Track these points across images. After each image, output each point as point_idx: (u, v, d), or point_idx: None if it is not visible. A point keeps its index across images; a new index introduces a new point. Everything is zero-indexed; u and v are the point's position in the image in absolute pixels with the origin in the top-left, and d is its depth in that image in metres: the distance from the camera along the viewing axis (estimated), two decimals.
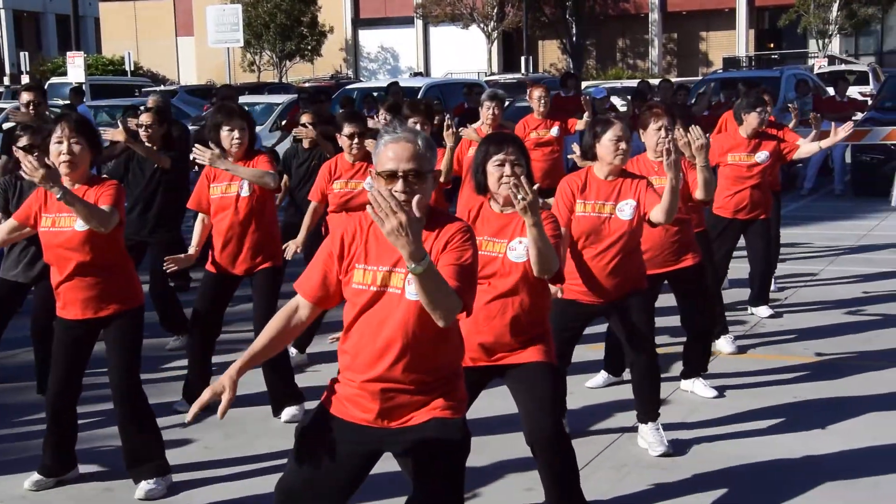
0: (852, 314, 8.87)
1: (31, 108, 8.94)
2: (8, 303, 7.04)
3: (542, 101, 10.29)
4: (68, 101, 19.50)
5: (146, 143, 8.32)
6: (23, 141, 6.71)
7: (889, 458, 5.70)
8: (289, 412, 6.48)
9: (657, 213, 5.41)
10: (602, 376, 7.02)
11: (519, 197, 4.22)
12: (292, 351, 7.61)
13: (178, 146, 8.64)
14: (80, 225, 5.12)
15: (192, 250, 6.59)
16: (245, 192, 6.43)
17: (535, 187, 4.26)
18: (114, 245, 5.27)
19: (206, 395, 3.54)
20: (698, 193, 6.02)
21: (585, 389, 6.85)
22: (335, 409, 3.70)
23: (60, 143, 5.13)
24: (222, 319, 6.81)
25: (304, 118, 9.26)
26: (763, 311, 8.83)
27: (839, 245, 12.15)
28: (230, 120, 6.42)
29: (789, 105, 15.21)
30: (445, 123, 7.57)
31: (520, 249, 4.55)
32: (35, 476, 5.50)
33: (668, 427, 5.92)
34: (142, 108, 10.43)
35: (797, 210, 14.80)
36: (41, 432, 5.59)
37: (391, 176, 3.49)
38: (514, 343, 4.62)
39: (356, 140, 7.12)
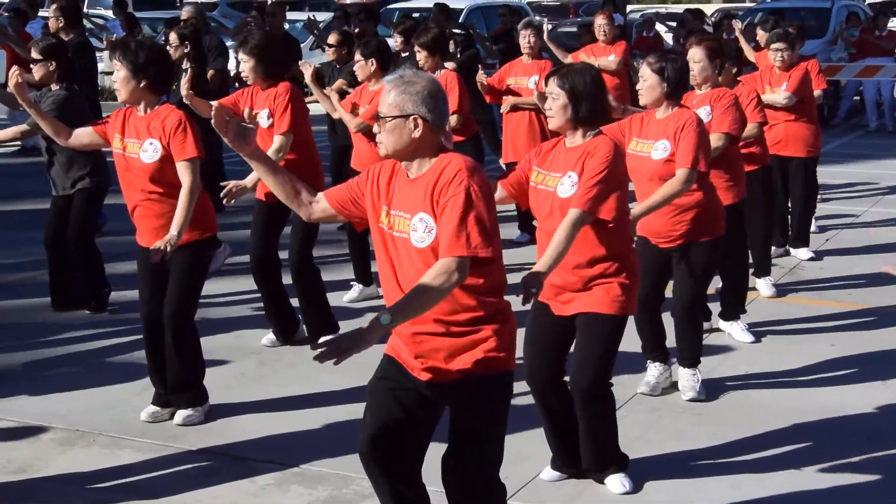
0: None
1: None
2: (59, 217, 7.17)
3: (603, 30, 10.19)
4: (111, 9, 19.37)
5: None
6: None
7: None
8: (325, 341, 6.47)
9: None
10: None
11: None
12: (357, 287, 7.52)
13: (205, 58, 9.39)
14: (146, 157, 5.10)
15: None
16: (265, 124, 6.05)
17: None
18: None
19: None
20: None
21: None
22: (394, 353, 3.69)
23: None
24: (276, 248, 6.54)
25: (331, 38, 9.12)
26: (803, 253, 8.74)
27: (883, 185, 11.93)
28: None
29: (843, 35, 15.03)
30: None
31: (567, 184, 4.39)
32: (150, 408, 5.46)
33: (702, 370, 5.86)
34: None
35: (839, 147, 14.50)
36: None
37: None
38: (579, 282, 4.49)
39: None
